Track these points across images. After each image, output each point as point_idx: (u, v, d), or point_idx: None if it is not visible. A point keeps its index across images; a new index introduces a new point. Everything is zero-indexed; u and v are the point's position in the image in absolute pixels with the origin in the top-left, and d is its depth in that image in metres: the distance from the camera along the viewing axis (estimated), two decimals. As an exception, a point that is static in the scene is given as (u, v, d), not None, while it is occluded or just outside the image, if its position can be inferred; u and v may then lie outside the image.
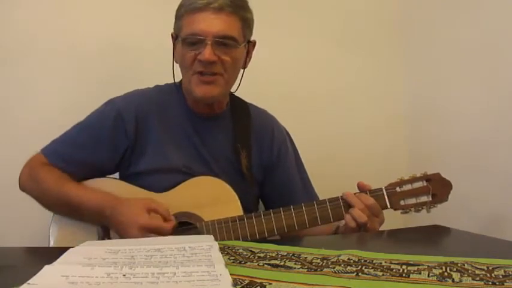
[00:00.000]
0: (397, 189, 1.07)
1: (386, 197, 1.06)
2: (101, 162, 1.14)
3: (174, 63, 1.15)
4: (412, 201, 1.06)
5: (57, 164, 1.11)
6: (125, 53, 1.57)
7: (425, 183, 1.07)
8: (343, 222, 1.07)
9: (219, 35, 1.05)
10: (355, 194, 1.06)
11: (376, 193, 1.06)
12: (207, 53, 1.04)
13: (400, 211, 1.07)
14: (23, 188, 1.13)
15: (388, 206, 1.06)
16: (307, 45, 1.72)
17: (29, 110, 1.50)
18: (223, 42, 1.06)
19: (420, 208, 1.06)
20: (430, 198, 1.06)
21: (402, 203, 1.06)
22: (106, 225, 1.04)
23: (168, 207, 1.03)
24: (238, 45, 1.08)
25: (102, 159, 1.14)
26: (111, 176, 1.17)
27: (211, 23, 1.05)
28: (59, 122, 1.49)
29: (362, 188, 1.07)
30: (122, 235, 0.98)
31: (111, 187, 1.12)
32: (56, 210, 1.09)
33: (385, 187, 1.07)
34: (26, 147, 1.47)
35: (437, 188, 1.06)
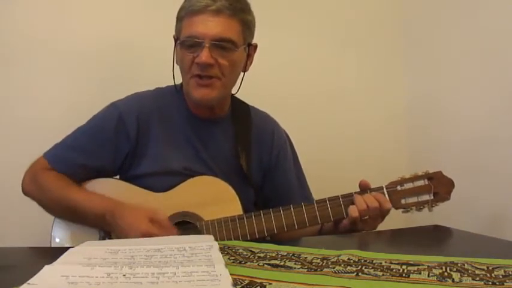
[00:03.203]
0: (398, 187, 1.06)
1: (387, 196, 1.05)
2: (103, 165, 1.14)
3: (175, 65, 1.15)
4: (414, 199, 1.05)
5: (59, 168, 1.11)
6: (125, 52, 1.57)
7: (427, 182, 1.06)
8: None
9: (216, 37, 1.04)
10: (357, 193, 1.06)
11: (376, 191, 1.06)
12: (204, 55, 1.04)
13: (401, 210, 1.06)
14: (25, 192, 1.13)
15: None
16: (307, 45, 1.72)
17: (29, 110, 1.50)
18: (220, 45, 1.05)
19: (422, 207, 1.05)
20: (432, 197, 1.04)
21: (403, 201, 1.05)
22: (107, 230, 1.04)
23: (167, 209, 1.03)
24: (236, 48, 1.08)
25: (104, 162, 1.13)
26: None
27: (209, 26, 1.04)
28: (59, 121, 1.50)
29: (363, 187, 1.06)
30: (126, 234, 0.97)
31: (111, 188, 1.12)
32: (58, 215, 1.10)
33: (385, 185, 1.06)
34: (26, 147, 1.47)
35: (439, 186, 1.05)
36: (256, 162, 1.20)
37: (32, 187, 1.11)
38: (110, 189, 1.12)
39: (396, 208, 1.06)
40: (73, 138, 1.15)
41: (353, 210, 1.02)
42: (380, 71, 1.79)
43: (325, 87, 1.74)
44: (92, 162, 1.12)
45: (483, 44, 1.39)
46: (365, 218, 1.02)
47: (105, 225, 1.02)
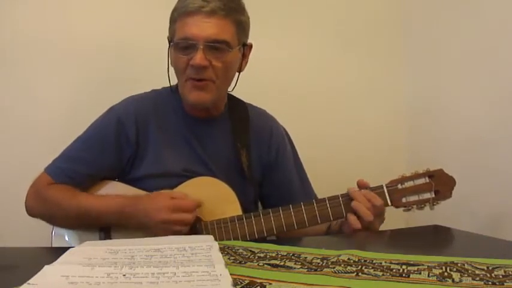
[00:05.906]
0: (399, 186, 1.05)
1: (387, 194, 1.04)
2: (106, 171, 1.14)
3: (170, 66, 1.14)
4: (415, 198, 1.04)
5: (63, 181, 1.10)
6: (125, 53, 1.56)
7: (427, 180, 1.04)
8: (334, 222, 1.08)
9: (210, 39, 1.04)
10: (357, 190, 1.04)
11: (376, 190, 1.05)
12: (198, 57, 1.03)
13: (401, 209, 1.05)
14: (31, 211, 1.11)
15: (389, 204, 1.04)
16: (306, 44, 1.72)
17: (29, 110, 1.50)
18: (215, 46, 1.04)
19: (423, 205, 1.04)
20: (433, 195, 1.03)
21: (404, 200, 1.04)
22: (126, 225, 1.04)
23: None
24: (230, 49, 1.07)
25: (108, 168, 1.14)
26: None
27: (202, 27, 1.04)
28: (59, 122, 1.51)
29: (362, 186, 1.05)
30: (146, 223, 1.00)
31: (111, 190, 1.12)
32: (69, 226, 1.10)
33: (386, 184, 1.05)
34: (26, 147, 1.48)
35: (440, 184, 1.03)
36: (256, 160, 1.20)
37: (38, 204, 1.10)
38: (109, 191, 1.12)
39: (397, 207, 1.05)
40: (74, 149, 1.14)
41: (354, 221, 1.01)
42: (380, 71, 1.79)
43: (325, 87, 1.74)
44: (96, 170, 1.13)
45: (483, 44, 1.39)
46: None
47: (124, 219, 1.03)
